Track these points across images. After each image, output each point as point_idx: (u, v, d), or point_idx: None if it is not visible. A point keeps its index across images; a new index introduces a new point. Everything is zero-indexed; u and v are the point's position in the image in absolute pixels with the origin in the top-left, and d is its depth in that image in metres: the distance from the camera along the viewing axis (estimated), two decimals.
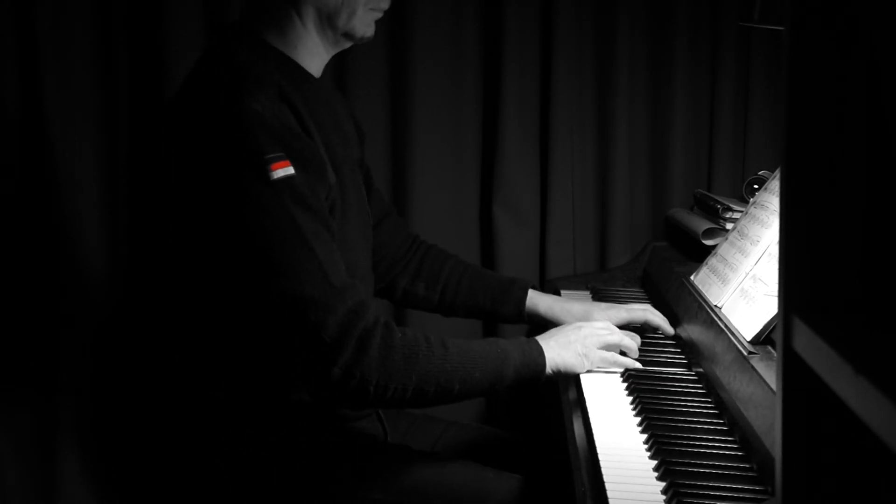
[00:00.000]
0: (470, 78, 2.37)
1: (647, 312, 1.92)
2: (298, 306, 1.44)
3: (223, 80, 1.52)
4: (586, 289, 2.32)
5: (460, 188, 2.41)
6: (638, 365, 1.76)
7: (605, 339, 1.74)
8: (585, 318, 1.86)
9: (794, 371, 0.80)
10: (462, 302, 1.95)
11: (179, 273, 1.64)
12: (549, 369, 1.64)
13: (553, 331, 1.73)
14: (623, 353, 1.77)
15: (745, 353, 1.56)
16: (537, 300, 1.94)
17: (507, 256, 2.40)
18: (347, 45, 1.67)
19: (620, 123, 2.42)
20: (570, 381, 1.76)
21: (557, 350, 1.66)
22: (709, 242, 2.15)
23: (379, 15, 1.65)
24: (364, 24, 1.62)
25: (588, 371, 1.72)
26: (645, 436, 1.50)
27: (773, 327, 1.61)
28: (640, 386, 1.69)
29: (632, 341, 1.78)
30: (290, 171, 1.45)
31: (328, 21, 1.60)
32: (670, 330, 1.92)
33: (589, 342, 1.70)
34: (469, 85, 2.37)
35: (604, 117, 2.44)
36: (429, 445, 1.86)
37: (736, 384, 1.52)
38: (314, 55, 1.64)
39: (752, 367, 1.49)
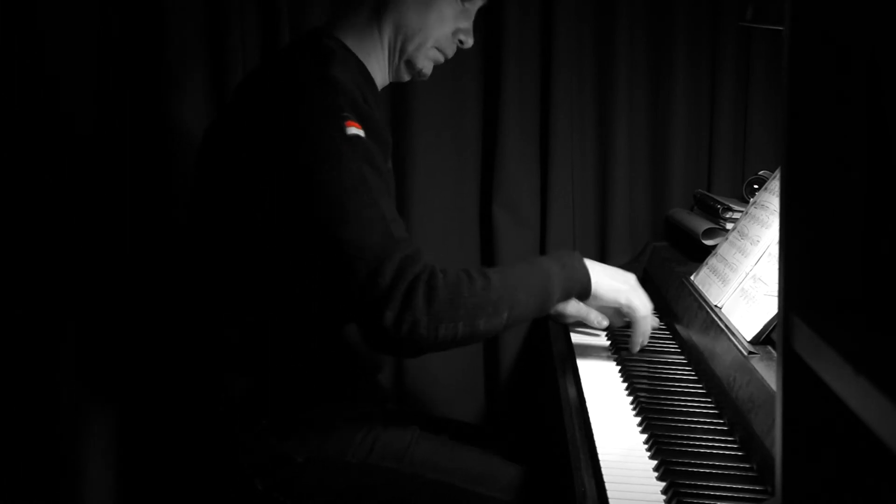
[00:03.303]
0: (470, 78, 2.37)
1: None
2: (360, 253, 1.50)
3: (311, 54, 1.64)
4: None
5: (460, 188, 2.41)
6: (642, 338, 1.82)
7: (643, 306, 1.79)
8: None
9: (794, 371, 0.80)
10: None
11: (220, 254, 1.66)
12: (594, 283, 1.71)
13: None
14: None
15: (745, 353, 1.56)
16: None
17: (507, 256, 2.40)
18: (405, 77, 1.79)
19: (620, 123, 2.42)
20: (569, 381, 1.77)
21: (601, 270, 1.75)
22: (709, 242, 2.15)
23: (441, 60, 1.78)
24: (425, 59, 1.75)
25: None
26: (645, 436, 1.50)
27: (773, 327, 1.61)
28: (640, 386, 1.69)
29: (644, 340, 1.83)
30: (362, 133, 1.55)
31: (401, 42, 1.72)
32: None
33: (632, 284, 1.78)
34: (469, 85, 2.38)
35: (604, 117, 2.44)
36: None
37: (736, 384, 1.52)
38: (379, 70, 1.76)
39: (752, 367, 1.49)
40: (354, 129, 1.54)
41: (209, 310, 1.70)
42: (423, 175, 2.36)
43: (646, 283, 2.32)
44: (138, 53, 2.17)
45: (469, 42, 1.78)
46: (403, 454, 1.63)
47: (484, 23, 2.36)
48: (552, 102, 2.36)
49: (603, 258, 2.48)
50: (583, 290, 1.71)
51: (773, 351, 1.57)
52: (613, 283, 1.75)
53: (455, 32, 1.75)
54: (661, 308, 2.08)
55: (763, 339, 1.62)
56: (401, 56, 1.74)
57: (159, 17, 2.16)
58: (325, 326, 1.66)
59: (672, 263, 2.22)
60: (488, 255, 2.43)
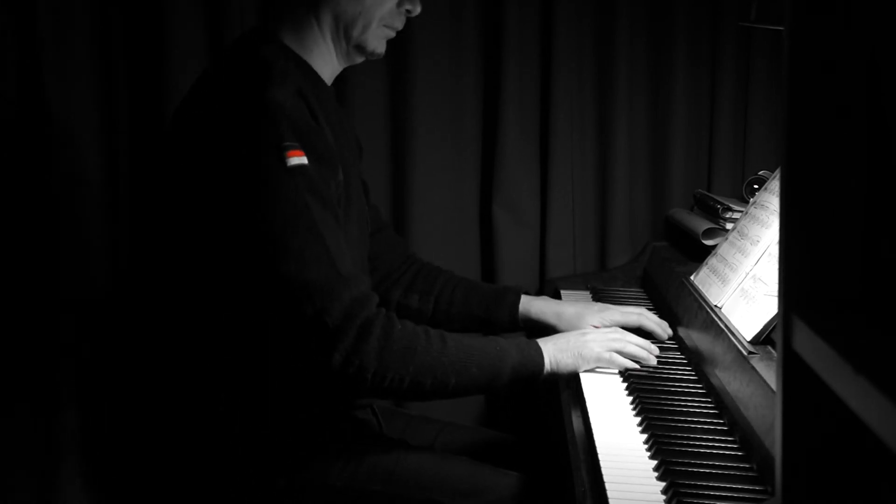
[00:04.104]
0: (470, 78, 2.37)
1: (641, 317, 1.90)
2: (304, 291, 1.47)
3: (247, 72, 1.57)
4: (586, 289, 2.32)
5: (460, 188, 2.41)
6: (634, 364, 1.75)
7: (613, 345, 1.74)
8: (578, 320, 1.87)
9: (794, 371, 0.80)
10: (456, 312, 1.95)
11: (183, 267, 1.64)
12: (546, 369, 1.66)
13: (557, 335, 1.75)
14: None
15: (745, 353, 1.56)
16: (530, 304, 1.94)
17: (507, 256, 2.40)
18: (358, 59, 1.72)
19: (620, 123, 2.42)
20: (569, 381, 1.76)
21: (555, 352, 1.68)
22: (709, 242, 2.15)
23: (392, 34, 1.70)
24: (376, 39, 1.68)
25: (587, 371, 1.73)
26: (645, 436, 1.50)
27: (773, 327, 1.61)
28: (640, 386, 1.69)
29: (642, 350, 1.76)
30: (304, 160, 1.50)
31: (344, 31, 1.66)
32: (663, 335, 1.90)
33: (591, 345, 1.71)
34: (469, 85, 2.38)
35: (604, 117, 2.44)
36: (425, 445, 1.86)
37: (736, 384, 1.52)
38: (327, 63, 1.69)
39: (752, 367, 1.49)
40: (296, 159, 1.49)
41: (186, 329, 1.66)
42: (423, 175, 2.36)
43: (646, 283, 2.33)
44: (138, 53, 2.17)
45: (416, 9, 1.70)
46: (390, 474, 1.60)
47: (484, 22, 2.36)
48: (552, 102, 2.36)
49: (603, 258, 2.48)
50: (531, 378, 1.65)
51: (773, 351, 1.57)
52: (573, 352, 1.69)
53: (400, 4, 1.68)
54: (661, 308, 2.08)
55: (763, 339, 1.62)
56: (348, 43, 1.67)
57: (159, 17, 2.16)
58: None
59: (672, 263, 2.22)
60: (488, 255, 2.43)
